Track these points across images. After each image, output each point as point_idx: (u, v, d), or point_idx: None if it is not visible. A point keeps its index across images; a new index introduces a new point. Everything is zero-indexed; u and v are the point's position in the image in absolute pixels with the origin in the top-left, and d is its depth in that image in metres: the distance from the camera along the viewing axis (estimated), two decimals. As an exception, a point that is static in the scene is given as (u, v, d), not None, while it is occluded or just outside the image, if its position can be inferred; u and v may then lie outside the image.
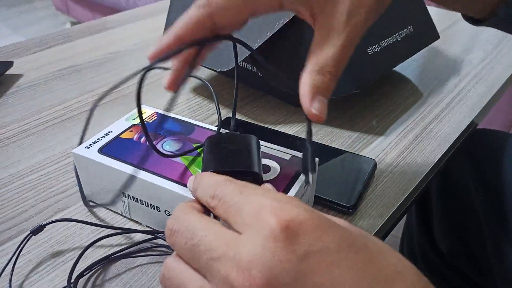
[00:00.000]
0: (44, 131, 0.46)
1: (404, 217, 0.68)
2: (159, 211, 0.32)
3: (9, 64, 0.56)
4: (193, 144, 0.34)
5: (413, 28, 0.53)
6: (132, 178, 0.31)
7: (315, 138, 0.45)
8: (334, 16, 0.25)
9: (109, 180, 0.33)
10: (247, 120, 0.48)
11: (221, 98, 0.53)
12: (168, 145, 0.34)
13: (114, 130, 0.36)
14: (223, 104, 0.51)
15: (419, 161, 0.43)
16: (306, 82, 0.26)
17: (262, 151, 0.34)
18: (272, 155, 0.33)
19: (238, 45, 0.47)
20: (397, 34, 0.51)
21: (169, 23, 0.53)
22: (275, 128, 0.47)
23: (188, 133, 0.36)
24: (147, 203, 0.32)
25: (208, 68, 0.50)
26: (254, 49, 0.44)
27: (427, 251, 0.62)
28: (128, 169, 0.32)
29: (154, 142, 0.34)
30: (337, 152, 0.42)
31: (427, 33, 0.57)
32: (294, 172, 0.32)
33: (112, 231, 0.32)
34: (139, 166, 0.32)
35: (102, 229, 0.34)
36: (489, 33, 0.72)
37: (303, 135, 0.46)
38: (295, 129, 0.47)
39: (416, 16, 0.55)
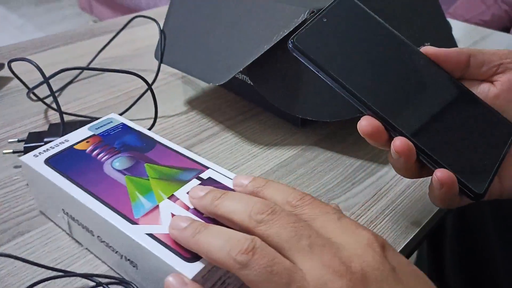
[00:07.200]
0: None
1: (415, 253, 0.63)
2: (93, 235, 0.29)
3: (0, 66, 0.54)
4: (145, 165, 0.31)
5: (431, 45, 0.48)
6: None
7: (311, 165, 0.41)
8: None
9: (50, 194, 0.31)
10: (239, 139, 0.44)
11: (219, 112, 0.49)
12: (118, 162, 0.31)
13: (71, 139, 0.34)
14: (219, 119, 0.47)
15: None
16: None
17: (214, 179, 0.30)
18: (224, 186, 0.29)
19: (234, 57, 0.43)
20: (413, 51, 0.46)
21: (167, 28, 0.50)
22: (270, 150, 0.43)
23: (146, 150, 0.33)
24: (82, 224, 0.30)
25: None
26: (250, 62, 0.40)
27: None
28: (66, 184, 0.29)
29: (106, 157, 0.32)
30: (471, 100, 0.30)
31: (448, 50, 0.51)
32: None
33: (54, 273, 0.28)
34: (77, 183, 0.29)
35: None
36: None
37: (299, 160, 0.41)
38: (292, 153, 0.42)
39: (435, 32, 0.50)
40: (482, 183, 0.27)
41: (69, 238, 0.32)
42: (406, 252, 0.35)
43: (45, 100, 0.46)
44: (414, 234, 0.34)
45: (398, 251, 0.33)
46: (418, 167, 0.29)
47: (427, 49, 0.31)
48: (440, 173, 0.26)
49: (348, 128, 0.46)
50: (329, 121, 0.41)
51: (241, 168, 0.40)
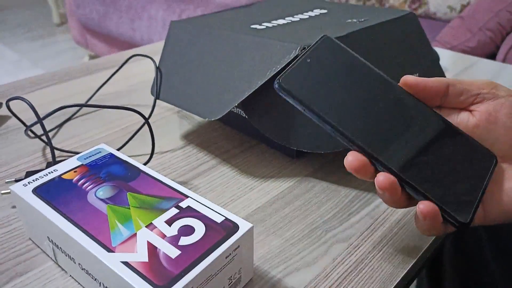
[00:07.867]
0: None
1: (415, 282, 0.62)
2: (75, 262, 0.30)
3: (-2, 105, 0.54)
4: (127, 194, 0.32)
5: (419, 75, 0.50)
6: None
7: (307, 196, 0.41)
8: None
9: (36, 222, 0.32)
10: (235, 172, 0.44)
11: (216, 145, 0.49)
12: (102, 191, 0.32)
13: (60, 169, 0.35)
14: (215, 153, 0.48)
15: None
16: None
17: (192, 208, 0.31)
18: (201, 215, 0.30)
19: (229, 92, 0.44)
20: (402, 81, 0.47)
21: (162, 65, 0.51)
22: (266, 183, 0.43)
23: (130, 180, 0.33)
24: (64, 251, 0.30)
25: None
26: (245, 97, 0.41)
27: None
28: (50, 213, 0.30)
29: (90, 186, 0.33)
30: (452, 131, 0.31)
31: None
32: (219, 238, 0.28)
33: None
34: (61, 211, 0.30)
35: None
36: (510, 77, 0.67)
37: (296, 191, 0.42)
38: (288, 184, 0.43)
39: (423, 63, 0.51)
40: (467, 213, 0.28)
41: (67, 278, 0.32)
42: (405, 282, 0.35)
43: (43, 138, 0.46)
44: (412, 264, 0.34)
45: (397, 281, 0.33)
46: (406, 198, 0.29)
47: (407, 78, 0.31)
48: (423, 206, 0.27)
49: (342, 159, 0.47)
50: (324, 152, 0.42)
51: (239, 201, 0.41)
